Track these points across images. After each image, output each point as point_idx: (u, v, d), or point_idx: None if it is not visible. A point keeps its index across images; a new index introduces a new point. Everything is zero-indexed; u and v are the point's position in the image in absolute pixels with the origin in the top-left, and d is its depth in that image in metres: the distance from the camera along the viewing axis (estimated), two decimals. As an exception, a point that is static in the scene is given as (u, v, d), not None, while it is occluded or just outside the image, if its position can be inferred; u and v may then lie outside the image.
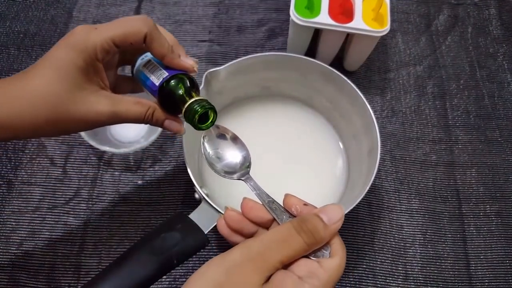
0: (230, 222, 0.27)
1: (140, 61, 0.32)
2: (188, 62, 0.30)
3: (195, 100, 0.29)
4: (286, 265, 0.24)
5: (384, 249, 0.44)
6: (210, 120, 0.30)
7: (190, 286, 0.23)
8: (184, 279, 0.41)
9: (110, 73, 0.31)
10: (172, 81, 0.29)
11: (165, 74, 0.30)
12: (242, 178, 0.32)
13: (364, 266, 0.43)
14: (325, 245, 0.24)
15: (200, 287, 0.23)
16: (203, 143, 0.32)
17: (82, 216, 0.43)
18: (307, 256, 0.24)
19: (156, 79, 0.30)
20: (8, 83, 0.26)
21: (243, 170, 0.32)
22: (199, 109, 0.28)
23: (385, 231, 0.45)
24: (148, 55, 0.31)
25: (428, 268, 0.43)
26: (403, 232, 0.45)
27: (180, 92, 0.29)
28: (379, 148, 0.38)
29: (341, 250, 0.24)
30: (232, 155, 0.33)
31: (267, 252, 0.23)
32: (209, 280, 0.23)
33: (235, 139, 0.33)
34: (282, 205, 0.28)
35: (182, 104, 0.29)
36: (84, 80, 0.27)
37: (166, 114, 0.30)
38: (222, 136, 0.33)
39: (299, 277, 0.23)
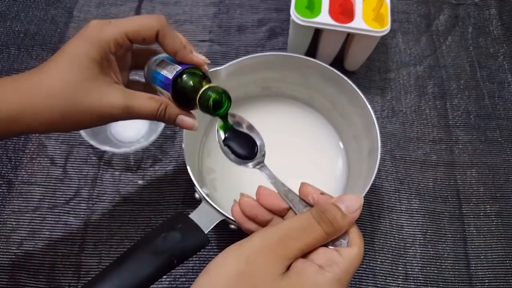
0: (245, 208, 0.27)
1: (152, 62, 0.32)
2: (200, 57, 0.31)
3: (209, 87, 0.29)
4: (304, 254, 0.24)
5: (384, 249, 0.44)
6: (225, 107, 0.30)
7: (210, 275, 0.23)
8: (184, 279, 0.41)
9: (123, 75, 0.32)
10: (185, 73, 0.30)
11: (178, 67, 0.30)
12: (257, 167, 0.31)
13: (364, 266, 0.43)
14: (343, 234, 0.24)
15: (222, 276, 0.22)
16: (217, 131, 0.32)
17: (82, 216, 0.43)
18: (325, 245, 0.24)
19: (169, 73, 0.30)
20: (25, 78, 0.27)
21: (258, 159, 0.32)
22: (213, 94, 0.29)
23: (385, 231, 0.45)
24: (160, 57, 0.32)
25: (428, 268, 0.43)
26: (403, 232, 0.45)
27: (194, 81, 0.29)
28: (379, 148, 0.38)
29: (359, 239, 0.24)
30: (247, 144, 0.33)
31: (288, 240, 0.23)
32: (229, 268, 0.22)
33: (251, 128, 0.33)
34: (297, 194, 0.27)
35: (196, 93, 0.29)
36: (99, 72, 0.27)
37: (179, 109, 0.30)
38: (237, 124, 0.33)
39: (319, 266, 0.23)
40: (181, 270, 0.41)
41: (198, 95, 0.29)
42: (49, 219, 0.43)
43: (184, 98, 0.30)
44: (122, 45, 0.28)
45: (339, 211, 0.24)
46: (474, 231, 0.46)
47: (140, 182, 0.45)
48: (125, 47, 0.29)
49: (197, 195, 0.36)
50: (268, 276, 0.21)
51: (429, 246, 0.44)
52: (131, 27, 0.28)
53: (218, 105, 0.30)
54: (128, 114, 0.28)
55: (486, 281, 0.43)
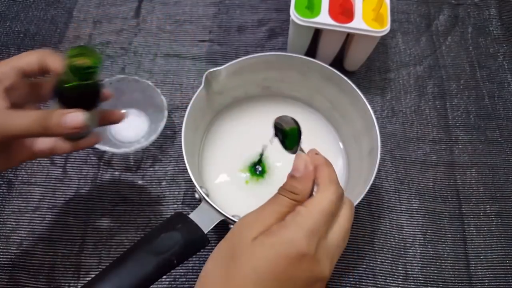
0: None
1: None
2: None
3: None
4: None
5: (384, 249, 0.44)
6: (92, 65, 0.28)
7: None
8: (184, 279, 0.41)
9: (31, 107, 0.33)
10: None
11: None
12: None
13: (364, 266, 0.43)
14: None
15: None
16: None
17: (82, 216, 0.43)
18: None
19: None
20: None
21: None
22: (72, 52, 0.28)
23: (385, 231, 0.45)
24: None
25: (428, 268, 0.43)
26: (403, 232, 0.45)
27: (65, 76, 0.28)
28: (379, 148, 0.38)
29: (323, 185, 0.25)
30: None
31: (261, 213, 0.25)
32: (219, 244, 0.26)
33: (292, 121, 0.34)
34: None
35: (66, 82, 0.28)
36: None
37: (65, 107, 0.30)
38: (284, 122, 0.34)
39: (284, 222, 0.24)
40: (181, 270, 0.41)
41: (66, 68, 0.28)
42: (49, 219, 0.43)
43: (66, 98, 0.29)
44: (14, 80, 0.29)
45: (291, 178, 0.26)
46: (474, 231, 0.46)
47: (140, 182, 0.45)
48: (12, 79, 0.29)
49: (197, 195, 0.36)
50: (244, 240, 0.23)
51: (429, 246, 0.44)
52: (16, 62, 0.30)
53: (85, 69, 0.28)
54: (4, 134, 0.28)
55: (486, 281, 0.43)
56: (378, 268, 0.43)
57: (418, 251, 0.44)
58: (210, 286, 0.24)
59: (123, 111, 0.48)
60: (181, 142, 0.37)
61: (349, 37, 0.49)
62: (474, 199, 0.47)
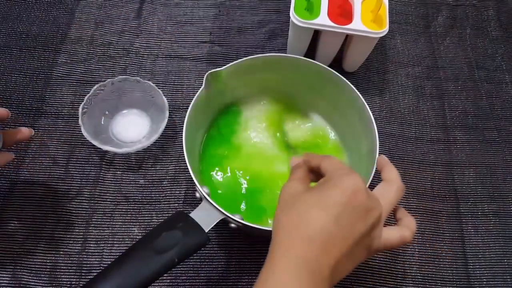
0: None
1: None
2: None
3: None
4: None
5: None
6: None
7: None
8: (185, 277, 0.41)
9: None
10: None
11: None
12: None
13: (363, 265, 0.43)
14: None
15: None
16: None
17: (84, 215, 0.43)
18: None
19: None
20: None
21: None
22: None
23: (384, 230, 0.45)
24: None
25: (426, 267, 0.44)
26: (402, 231, 0.45)
27: None
28: (377, 148, 0.38)
29: (389, 175, 0.32)
30: None
31: (297, 170, 0.32)
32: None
33: None
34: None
35: None
36: None
37: None
38: None
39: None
40: (182, 269, 0.41)
41: None
42: (51, 218, 0.43)
43: None
44: None
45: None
46: (472, 230, 0.46)
47: (141, 181, 0.46)
48: None
49: (197, 194, 0.36)
50: (298, 192, 0.28)
51: (427, 245, 0.45)
52: None
53: None
54: None
55: (484, 280, 0.43)
56: (376, 266, 0.43)
57: (417, 250, 0.44)
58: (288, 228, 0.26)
59: (124, 111, 0.49)
60: (182, 142, 0.38)
61: (348, 38, 0.49)
62: (472, 199, 0.48)
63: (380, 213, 0.27)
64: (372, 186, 0.38)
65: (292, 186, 0.29)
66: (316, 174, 0.31)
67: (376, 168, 0.33)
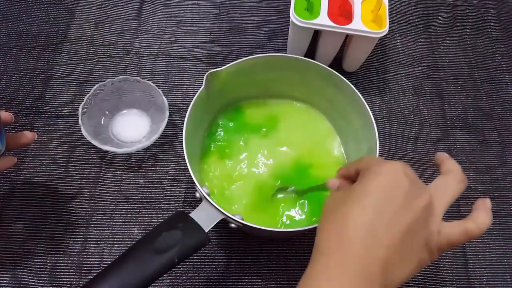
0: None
1: None
2: None
3: None
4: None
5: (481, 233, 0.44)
6: None
7: None
8: (185, 277, 0.41)
9: None
10: None
11: None
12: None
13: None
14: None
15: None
16: None
17: (84, 215, 0.43)
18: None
19: None
20: None
21: None
22: None
23: (384, 230, 0.45)
24: None
25: (426, 267, 0.44)
26: (402, 231, 0.45)
27: None
28: (377, 148, 0.38)
29: (448, 168, 0.29)
30: None
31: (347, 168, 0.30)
32: None
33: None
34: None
35: None
36: None
37: None
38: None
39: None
40: (182, 269, 0.41)
41: None
42: (51, 218, 0.43)
43: None
44: None
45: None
46: (472, 230, 0.46)
47: (141, 181, 0.46)
48: None
49: (197, 194, 0.36)
50: (339, 197, 0.26)
51: (427, 245, 0.45)
52: None
53: None
54: None
55: (484, 280, 0.43)
56: (377, 266, 0.43)
57: (417, 250, 0.44)
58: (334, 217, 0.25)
59: (124, 111, 0.49)
60: (182, 141, 0.38)
61: (348, 38, 0.49)
62: (472, 199, 0.48)
63: (429, 201, 0.24)
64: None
65: (333, 195, 0.27)
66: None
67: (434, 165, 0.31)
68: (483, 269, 0.44)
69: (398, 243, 0.23)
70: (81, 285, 0.40)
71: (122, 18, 0.56)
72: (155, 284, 0.30)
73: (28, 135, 0.38)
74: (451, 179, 0.27)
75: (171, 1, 0.58)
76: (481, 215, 0.26)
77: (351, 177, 0.28)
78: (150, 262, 0.30)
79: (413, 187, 0.24)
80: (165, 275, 0.35)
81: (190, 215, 0.33)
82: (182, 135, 0.38)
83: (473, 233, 0.25)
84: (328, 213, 0.26)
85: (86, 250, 0.42)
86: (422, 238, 0.24)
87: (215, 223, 0.34)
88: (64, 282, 0.40)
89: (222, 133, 0.47)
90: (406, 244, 0.23)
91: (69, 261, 0.41)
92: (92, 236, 0.42)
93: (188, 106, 0.39)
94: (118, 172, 0.46)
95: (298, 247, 0.43)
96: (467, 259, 0.44)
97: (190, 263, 0.42)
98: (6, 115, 0.36)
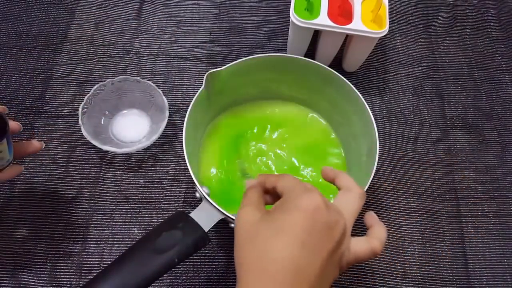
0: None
1: None
2: None
3: None
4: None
5: (383, 248, 0.44)
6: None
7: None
8: (185, 277, 0.41)
9: None
10: None
11: None
12: None
13: (363, 265, 0.43)
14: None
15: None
16: None
17: (84, 215, 0.43)
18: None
19: None
20: None
21: None
22: None
23: (383, 230, 0.45)
24: None
25: (426, 267, 0.44)
26: (402, 231, 0.45)
27: None
28: (377, 148, 0.38)
29: (344, 183, 0.29)
30: None
31: (248, 196, 0.30)
32: None
33: None
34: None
35: None
36: None
37: None
38: None
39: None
40: (182, 269, 0.41)
41: None
42: (51, 218, 0.43)
43: None
44: None
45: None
46: (472, 230, 0.46)
47: (141, 181, 0.46)
48: None
49: (197, 194, 0.36)
50: (255, 222, 0.26)
51: (427, 245, 0.45)
52: None
53: None
54: None
55: (484, 280, 0.43)
56: (376, 266, 0.43)
57: (417, 250, 0.44)
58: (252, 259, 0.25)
59: (124, 111, 0.49)
60: (182, 142, 0.38)
61: (348, 38, 0.49)
62: (472, 199, 0.48)
63: (344, 224, 0.26)
64: (371, 186, 0.38)
65: (247, 215, 0.27)
66: (272, 195, 0.29)
67: (325, 179, 0.32)
68: (483, 269, 0.44)
69: (320, 273, 0.23)
70: (81, 285, 0.40)
71: (122, 18, 0.56)
72: (155, 284, 0.30)
73: (36, 144, 0.38)
74: (354, 197, 0.28)
75: (171, 1, 0.58)
76: (378, 231, 0.28)
77: (268, 190, 0.29)
78: (150, 262, 0.30)
79: (330, 215, 0.25)
80: (165, 275, 0.35)
81: (190, 215, 0.33)
82: (182, 135, 0.38)
83: (378, 250, 0.27)
84: (247, 239, 0.26)
85: (86, 250, 0.42)
86: (337, 259, 0.25)
87: (215, 223, 0.34)
88: (64, 282, 0.40)
89: (222, 133, 0.47)
90: (326, 270, 0.24)
91: (69, 261, 0.41)
92: (92, 236, 0.42)
93: (188, 106, 0.39)
94: (118, 172, 0.46)
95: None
96: (467, 259, 0.44)
97: (190, 263, 0.42)
98: (14, 125, 0.35)
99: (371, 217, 0.30)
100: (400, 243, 0.45)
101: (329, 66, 0.42)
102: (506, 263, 0.44)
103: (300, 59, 0.43)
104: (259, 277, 0.23)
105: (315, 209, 0.25)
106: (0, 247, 0.41)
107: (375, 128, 0.39)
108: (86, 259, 0.41)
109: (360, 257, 0.27)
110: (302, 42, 0.50)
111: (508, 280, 0.44)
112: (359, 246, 0.27)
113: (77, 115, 0.44)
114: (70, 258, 0.41)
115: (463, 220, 0.46)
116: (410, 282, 0.43)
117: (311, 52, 0.52)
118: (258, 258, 0.24)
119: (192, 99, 0.39)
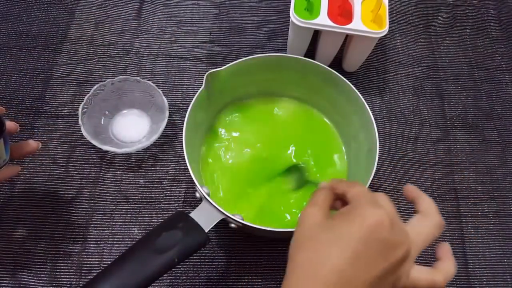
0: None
1: None
2: None
3: None
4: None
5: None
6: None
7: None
8: (185, 277, 0.41)
9: None
10: None
11: None
12: None
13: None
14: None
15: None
16: None
17: (84, 215, 0.43)
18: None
19: None
20: None
21: None
22: None
23: (384, 230, 0.45)
24: None
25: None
26: (402, 231, 0.45)
27: None
28: (377, 148, 0.38)
29: (425, 208, 0.28)
30: None
31: (316, 198, 0.30)
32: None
33: None
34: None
35: None
36: None
37: None
38: None
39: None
40: (182, 269, 0.41)
41: None
42: (51, 218, 0.43)
43: None
44: None
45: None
46: (472, 230, 0.46)
47: (141, 181, 0.46)
48: None
49: (197, 194, 0.36)
50: (316, 224, 0.26)
51: (427, 245, 0.45)
52: None
53: None
54: None
55: (484, 280, 0.43)
56: (376, 266, 0.43)
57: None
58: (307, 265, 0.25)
59: (124, 111, 0.49)
60: (182, 142, 0.38)
61: (348, 38, 0.49)
62: (472, 199, 0.48)
63: (408, 248, 0.25)
64: (371, 186, 0.38)
65: (311, 215, 0.27)
66: (342, 201, 0.29)
67: (406, 199, 0.31)
68: (483, 269, 0.44)
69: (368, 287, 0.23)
70: (81, 285, 0.40)
71: (122, 18, 0.56)
72: (155, 284, 0.30)
73: (33, 144, 0.38)
74: (429, 224, 0.27)
75: (171, 1, 0.58)
76: (447, 266, 0.27)
77: (338, 195, 0.29)
78: (150, 262, 0.30)
79: (393, 234, 0.24)
80: (165, 275, 0.35)
81: (190, 215, 0.34)
82: (182, 135, 0.38)
83: (439, 286, 0.26)
84: (305, 239, 0.26)
85: (86, 250, 0.42)
86: (392, 281, 0.25)
87: (215, 223, 0.34)
88: (64, 282, 0.40)
89: (222, 133, 0.47)
90: (375, 287, 0.24)
91: (69, 261, 0.41)
92: (92, 236, 0.42)
93: (188, 106, 0.39)
94: (118, 172, 0.46)
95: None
96: (467, 259, 0.44)
97: (190, 263, 0.42)
98: (11, 125, 0.35)
99: (444, 250, 0.28)
100: (400, 243, 0.45)
101: (329, 66, 0.42)
102: (506, 263, 0.44)
103: (300, 59, 0.43)
104: (307, 277, 0.24)
105: (376, 224, 0.24)
106: (0, 247, 0.41)
107: (375, 128, 0.39)
108: (86, 259, 0.41)
109: (418, 286, 0.26)
110: (302, 42, 0.50)
111: (508, 280, 0.44)
112: (420, 275, 0.26)
113: (77, 115, 0.44)
114: (70, 258, 0.41)
115: (463, 220, 0.46)
116: (410, 282, 0.43)
117: (311, 52, 0.52)
118: (311, 259, 0.24)
119: (192, 99, 0.39)
